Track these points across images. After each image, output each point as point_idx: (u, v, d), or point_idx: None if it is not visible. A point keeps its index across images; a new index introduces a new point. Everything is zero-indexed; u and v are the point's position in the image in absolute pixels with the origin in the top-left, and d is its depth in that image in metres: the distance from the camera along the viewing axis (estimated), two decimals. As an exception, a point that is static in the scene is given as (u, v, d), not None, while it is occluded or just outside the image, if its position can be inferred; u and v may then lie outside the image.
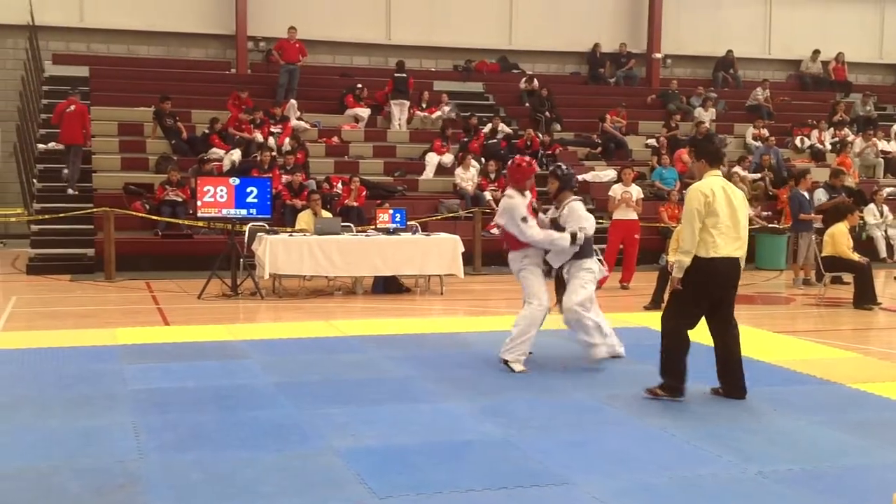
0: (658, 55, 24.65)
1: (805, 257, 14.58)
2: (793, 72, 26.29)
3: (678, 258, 6.71)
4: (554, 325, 8.35)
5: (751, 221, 17.53)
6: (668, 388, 6.77)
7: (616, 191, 14.23)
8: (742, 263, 6.78)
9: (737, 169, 19.54)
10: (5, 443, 5.55)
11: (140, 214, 15.82)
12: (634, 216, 14.09)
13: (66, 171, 17.06)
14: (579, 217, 7.87)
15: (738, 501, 4.76)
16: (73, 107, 16.84)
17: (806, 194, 14.78)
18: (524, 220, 7.68)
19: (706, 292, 6.71)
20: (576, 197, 8.07)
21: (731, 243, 6.63)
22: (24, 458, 5.27)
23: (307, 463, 5.23)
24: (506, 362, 7.68)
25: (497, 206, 17.52)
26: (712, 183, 6.71)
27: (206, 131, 18.23)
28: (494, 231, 17.17)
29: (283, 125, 18.79)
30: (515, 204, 7.76)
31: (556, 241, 7.75)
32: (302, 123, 19.43)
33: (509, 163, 8.16)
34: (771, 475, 5.12)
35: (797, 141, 22.24)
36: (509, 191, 7.92)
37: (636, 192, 14.20)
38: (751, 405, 6.70)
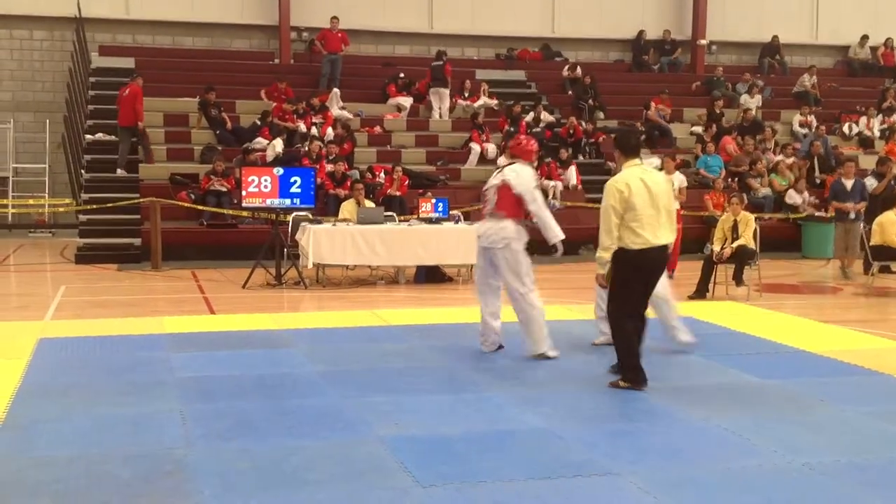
0: (703, 41, 24.38)
1: (843, 248, 14.30)
2: (840, 57, 25.86)
3: (598, 255, 6.77)
4: (591, 314, 8.32)
5: (797, 209, 17.57)
6: (628, 380, 6.78)
7: None
8: (670, 248, 6.83)
9: (781, 157, 19.33)
10: (56, 430, 5.65)
11: (186, 204, 16.00)
12: (676, 205, 13.88)
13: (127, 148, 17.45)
14: None
15: (784, 493, 4.72)
16: (128, 90, 17.26)
17: (848, 183, 14.46)
18: (538, 188, 7.81)
19: (636, 281, 6.74)
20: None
21: (656, 231, 6.66)
22: (75, 445, 5.37)
23: (352, 451, 5.26)
24: (542, 355, 7.65)
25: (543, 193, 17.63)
26: (628, 176, 6.72)
27: (258, 122, 18.34)
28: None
29: (324, 115, 18.87)
30: (528, 172, 7.80)
31: (551, 227, 7.70)
32: (345, 113, 19.50)
33: (512, 141, 8.24)
34: (818, 467, 5.06)
35: (845, 128, 21.91)
36: (519, 164, 7.87)
37: (679, 180, 13.99)
38: (797, 396, 6.63)
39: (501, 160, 17.63)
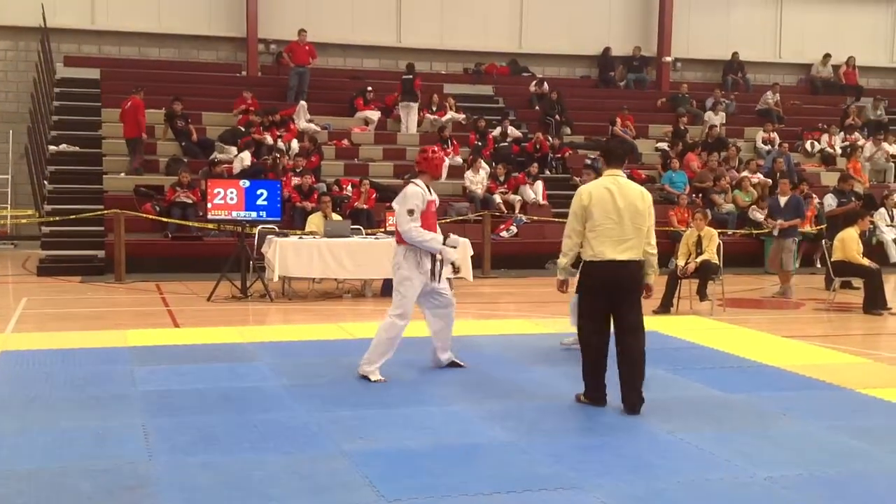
0: (668, 59, 24.64)
1: (777, 264, 14.05)
2: (803, 76, 26.24)
3: (558, 261, 6.75)
4: (558, 328, 8.37)
5: (760, 226, 17.76)
6: (587, 396, 6.70)
7: None
8: (645, 268, 6.62)
9: (745, 173, 19.54)
10: (17, 443, 5.58)
11: (150, 216, 15.88)
12: None
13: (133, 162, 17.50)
14: None
15: (746, 507, 4.77)
16: (129, 103, 17.27)
17: (783, 199, 14.17)
18: (410, 212, 7.36)
19: (594, 294, 6.56)
20: None
21: (613, 245, 6.43)
22: (36, 458, 5.30)
23: (317, 466, 5.24)
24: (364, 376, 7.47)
25: (505, 208, 17.58)
26: (597, 184, 6.60)
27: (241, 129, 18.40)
28: (504, 234, 17.28)
29: (287, 127, 18.81)
30: (412, 192, 7.43)
31: (427, 241, 7.41)
32: (312, 126, 19.46)
33: (419, 155, 7.77)
34: (780, 480, 5.11)
35: (807, 145, 22.21)
36: (416, 179, 7.63)
37: None
38: (760, 410, 6.69)
39: (468, 174, 17.84)
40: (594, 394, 6.66)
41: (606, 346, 6.63)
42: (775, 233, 14.08)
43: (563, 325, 8.18)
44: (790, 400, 7.01)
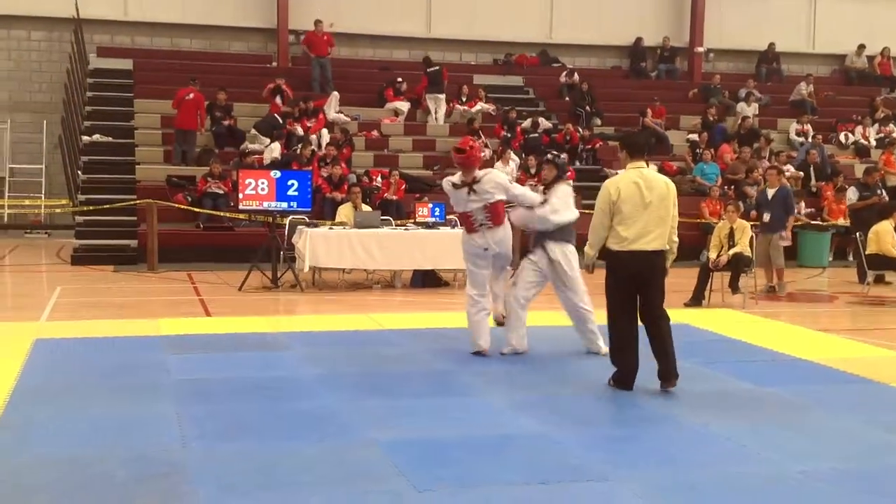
0: (700, 49, 24.41)
1: (764, 260, 12.84)
2: (837, 66, 25.93)
3: (585, 251, 6.96)
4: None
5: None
6: (616, 380, 6.89)
7: None
8: (667, 255, 6.80)
9: (776, 165, 19.34)
10: (52, 431, 5.64)
11: (182, 206, 15.98)
12: None
13: (183, 150, 17.64)
14: (565, 197, 7.97)
15: (780, 500, 4.72)
16: (191, 94, 17.42)
17: (770, 192, 13.14)
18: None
19: (621, 282, 6.76)
20: (567, 184, 8.19)
21: (641, 237, 6.62)
22: (71, 446, 5.36)
23: (347, 454, 5.26)
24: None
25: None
26: (624, 178, 6.75)
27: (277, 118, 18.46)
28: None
29: (316, 118, 18.83)
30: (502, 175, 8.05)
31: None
32: (341, 116, 19.49)
33: (465, 146, 7.89)
34: (814, 474, 5.06)
35: (841, 137, 21.96)
36: (480, 171, 7.88)
37: None
38: (793, 403, 6.63)
39: (498, 165, 17.81)
40: (622, 376, 6.83)
41: (636, 330, 6.84)
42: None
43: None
44: (824, 394, 6.94)
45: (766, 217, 12.86)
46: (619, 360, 6.89)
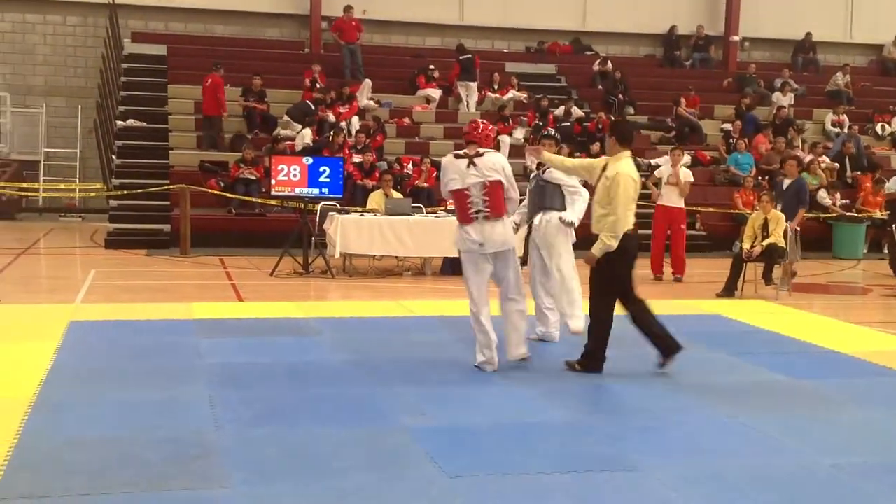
0: (736, 38, 24.19)
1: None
2: (874, 56, 25.60)
3: (609, 243, 6.83)
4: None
5: (827, 209, 17.42)
6: (592, 367, 7.02)
7: (663, 172, 13.08)
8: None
9: (810, 156, 19.14)
10: (86, 412, 5.71)
11: (215, 192, 16.09)
12: (681, 203, 12.95)
13: (210, 135, 17.80)
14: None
15: (811, 493, 4.70)
16: (209, 80, 17.54)
17: (786, 182, 12.76)
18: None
19: (633, 264, 7.04)
20: None
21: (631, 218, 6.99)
22: (104, 427, 5.43)
23: (378, 440, 5.29)
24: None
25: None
26: (632, 167, 6.99)
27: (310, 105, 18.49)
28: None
29: (350, 104, 18.87)
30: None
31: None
32: (371, 103, 19.51)
33: (479, 125, 7.24)
34: (846, 468, 5.03)
35: (878, 128, 21.70)
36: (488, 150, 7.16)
37: (683, 174, 13.02)
38: (825, 396, 6.59)
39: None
40: (599, 363, 7.04)
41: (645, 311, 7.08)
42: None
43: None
44: (857, 387, 6.89)
45: (779, 207, 12.60)
46: (603, 349, 7.01)
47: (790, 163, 13.32)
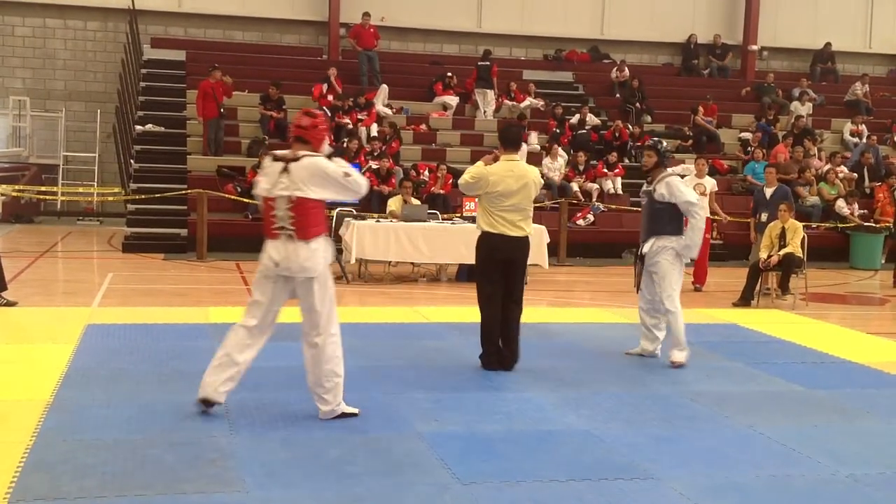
0: (754, 47, 24.11)
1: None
2: (893, 66, 25.46)
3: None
4: (633, 317, 8.26)
5: (845, 219, 17.31)
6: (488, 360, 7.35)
7: (689, 183, 12.48)
8: (524, 243, 7.26)
9: (829, 166, 19.03)
10: (103, 414, 5.73)
11: (232, 197, 16.14)
12: (707, 213, 12.34)
13: (210, 137, 17.83)
14: (681, 191, 7.64)
15: (828, 503, 4.67)
16: (203, 85, 17.63)
17: (769, 191, 12.62)
18: (346, 174, 5.71)
19: (485, 263, 7.35)
20: (672, 171, 7.86)
21: (511, 224, 7.18)
22: (121, 429, 5.45)
23: (392, 445, 5.29)
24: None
25: (582, 196, 17.44)
26: (508, 169, 7.21)
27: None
28: (581, 222, 17.16)
29: (368, 111, 18.91)
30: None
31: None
32: (387, 110, 19.54)
33: (314, 119, 5.79)
34: (863, 478, 5.00)
35: (896, 138, 21.58)
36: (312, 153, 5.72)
37: (710, 184, 13.07)
38: (843, 406, 6.55)
39: (546, 161, 17.71)
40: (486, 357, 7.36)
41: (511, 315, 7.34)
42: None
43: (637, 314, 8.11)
44: (874, 397, 6.84)
45: (764, 216, 12.49)
46: (484, 341, 7.34)
47: (770, 170, 13.47)
